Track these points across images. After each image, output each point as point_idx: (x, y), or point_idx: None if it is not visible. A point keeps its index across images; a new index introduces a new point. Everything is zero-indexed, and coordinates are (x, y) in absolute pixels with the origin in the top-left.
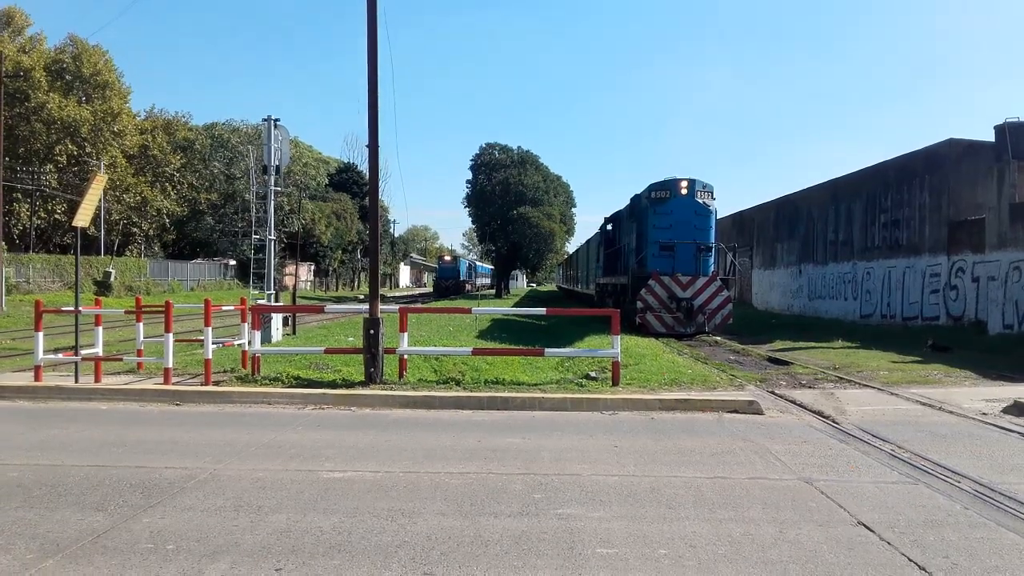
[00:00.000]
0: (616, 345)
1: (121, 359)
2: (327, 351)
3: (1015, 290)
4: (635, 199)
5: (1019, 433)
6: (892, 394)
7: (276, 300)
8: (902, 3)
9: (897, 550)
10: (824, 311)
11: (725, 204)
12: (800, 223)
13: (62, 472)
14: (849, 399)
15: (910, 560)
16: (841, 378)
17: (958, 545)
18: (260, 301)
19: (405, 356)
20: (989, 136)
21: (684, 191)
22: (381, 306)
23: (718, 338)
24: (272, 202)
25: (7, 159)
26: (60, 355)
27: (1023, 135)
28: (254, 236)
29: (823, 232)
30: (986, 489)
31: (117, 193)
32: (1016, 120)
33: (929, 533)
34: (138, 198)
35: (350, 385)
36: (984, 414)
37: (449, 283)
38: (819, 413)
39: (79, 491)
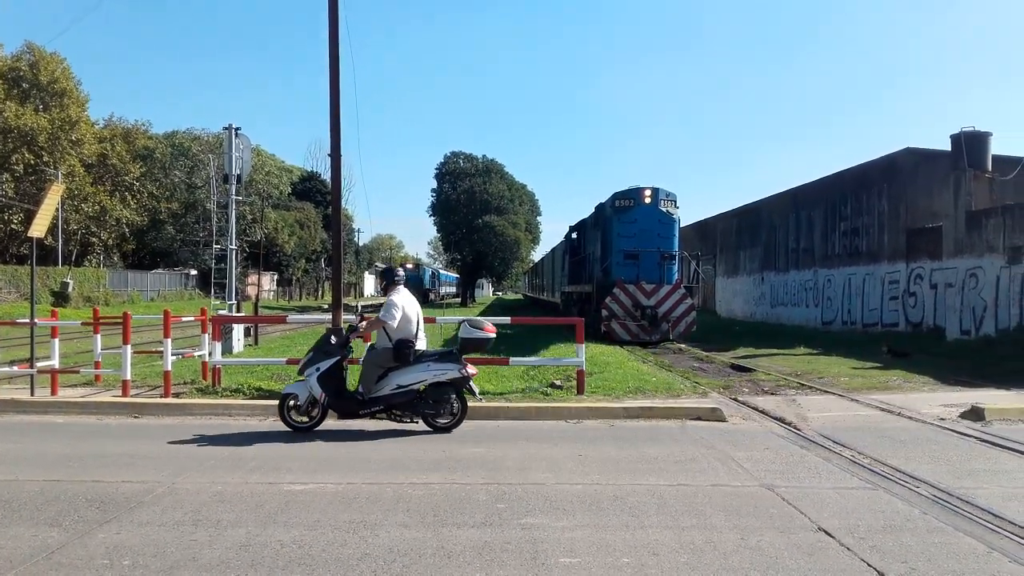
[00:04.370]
0: (581, 354)
1: (78, 371)
2: (289, 362)
3: (972, 297)
4: (599, 208)
5: (976, 438)
6: (853, 400)
7: (238, 310)
8: (862, 13)
9: (856, 555)
10: (786, 318)
11: (688, 212)
12: (762, 231)
13: (16, 487)
14: (811, 405)
15: (869, 565)
16: (803, 384)
17: (916, 550)
18: (221, 311)
19: None
20: (945, 145)
21: (648, 200)
22: (345, 316)
23: (682, 345)
24: (234, 211)
25: None
26: (15, 368)
27: (978, 145)
28: (216, 246)
29: (784, 240)
30: (944, 494)
31: (75, 202)
32: (972, 130)
33: (888, 538)
34: (97, 207)
35: None
36: (942, 419)
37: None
38: (781, 420)
39: (34, 506)
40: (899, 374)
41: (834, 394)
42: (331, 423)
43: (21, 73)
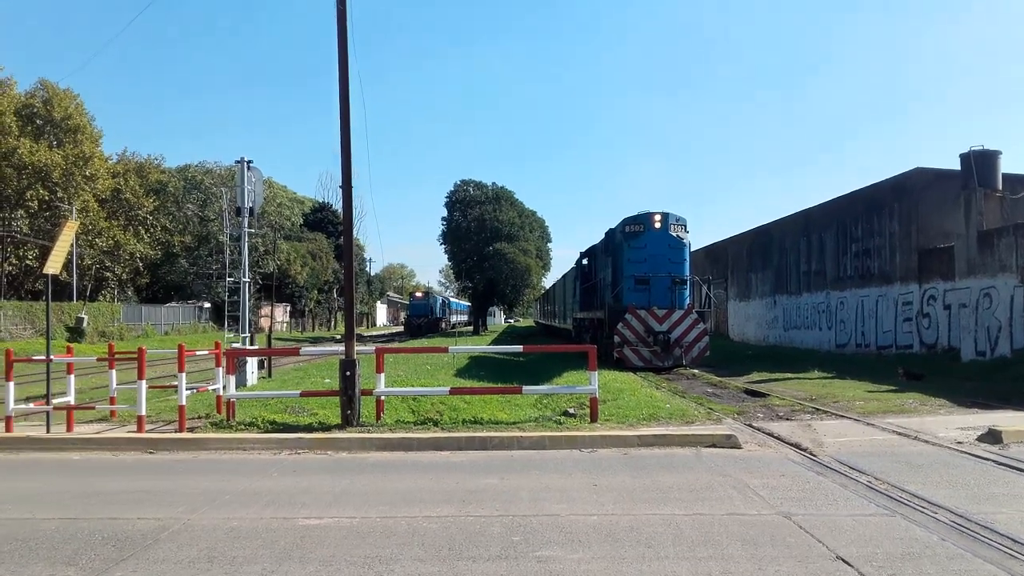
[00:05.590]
0: (594, 381)
1: (94, 407)
2: (303, 394)
3: (986, 317)
4: (610, 233)
5: (994, 461)
6: (869, 424)
7: (251, 342)
8: (869, 35)
9: None
10: (800, 341)
11: (698, 236)
12: (773, 254)
13: (33, 525)
14: (826, 430)
15: None
16: (818, 409)
17: None
18: (235, 344)
19: (382, 397)
20: (955, 164)
21: (658, 225)
22: (358, 346)
23: (695, 371)
24: (246, 244)
25: None
26: (31, 404)
27: (988, 163)
28: (228, 278)
29: (796, 263)
30: (963, 519)
31: (89, 238)
32: (981, 148)
33: (907, 566)
34: (111, 242)
35: (327, 428)
36: (959, 443)
37: (422, 321)
38: (796, 445)
39: (50, 545)
40: (915, 397)
41: (850, 418)
42: (344, 455)
43: (35, 110)
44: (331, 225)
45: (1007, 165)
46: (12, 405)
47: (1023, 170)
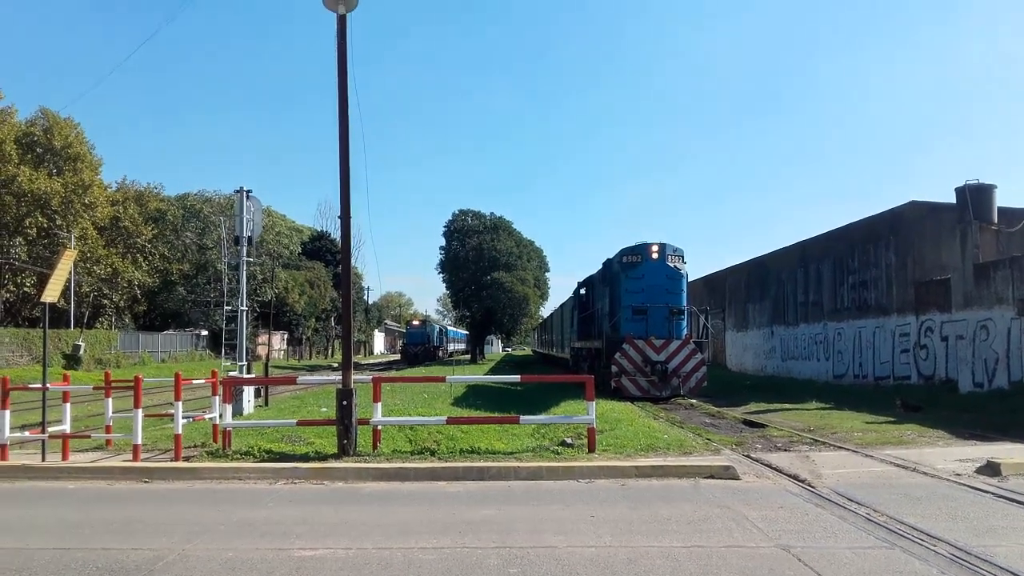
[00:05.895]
0: (591, 411)
1: (89, 436)
2: (300, 423)
3: (983, 348)
4: (607, 264)
5: (993, 494)
6: (867, 456)
7: (248, 371)
8: (861, 70)
9: None
10: (797, 372)
11: (695, 266)
12: (770, 285)
13: (26, 556)
14: (824, 462)
15: None
16: (816, 440)
17: None
18: (232, 373)
19: (379, 427)
20: (948, 197)
21: (655, 255)
22: (355, 375)
23: (693, 401)
24: (244, 272)
25: None
26: (27, 433)
27: (984, 197)
28: (226, 306)
29: (793, 293)
30: (962, 552)
31: (88, 265)
32: (976, 182)
33: None
34: (109, 270)
35: (323, 458)
36: (958, 475)
37: (418, 349)
38: (795, 477)
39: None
40: (913, 428)
41: (848, 450)
42: (340, 484)
43: (35, 138)
44: (329, 254)
45: (1002, 199)
46: (7, 433)
47: (1018, 204)
